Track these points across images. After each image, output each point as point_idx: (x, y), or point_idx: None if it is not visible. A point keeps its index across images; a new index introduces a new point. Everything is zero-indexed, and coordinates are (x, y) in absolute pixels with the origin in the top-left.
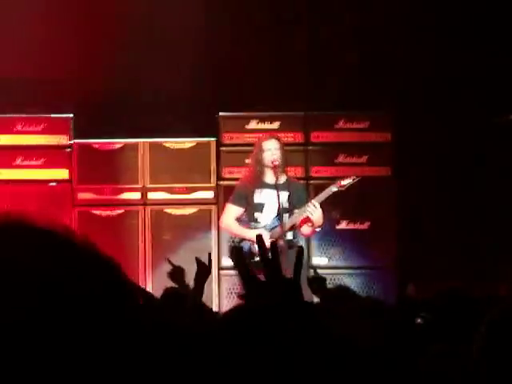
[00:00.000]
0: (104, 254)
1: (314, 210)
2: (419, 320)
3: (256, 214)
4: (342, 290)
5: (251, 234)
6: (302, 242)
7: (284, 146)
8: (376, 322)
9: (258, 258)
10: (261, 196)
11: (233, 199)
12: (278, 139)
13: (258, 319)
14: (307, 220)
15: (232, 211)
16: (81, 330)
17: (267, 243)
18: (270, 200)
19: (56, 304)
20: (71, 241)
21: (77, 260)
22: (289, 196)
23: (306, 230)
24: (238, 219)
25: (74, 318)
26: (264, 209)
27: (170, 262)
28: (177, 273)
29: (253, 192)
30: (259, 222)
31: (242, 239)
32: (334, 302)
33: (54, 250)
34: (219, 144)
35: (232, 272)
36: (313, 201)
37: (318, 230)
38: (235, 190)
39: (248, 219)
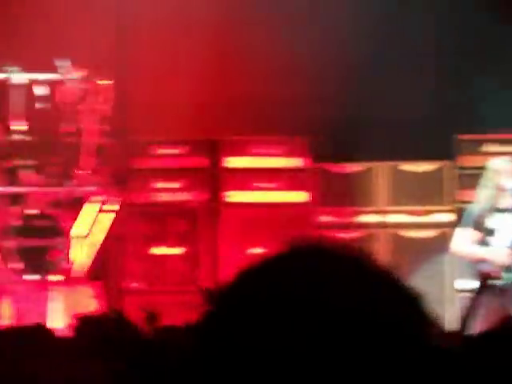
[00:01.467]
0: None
1: None
2: None
3: (488, 239)
4: None
5: (488, 254)
6: None
7: None
8: None
9: (494, 281)
10: (494, 220)
11: (467, 223)
12: None
13: None
14: None
15: (466, 235)
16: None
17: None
18: (503, 225)
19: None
20: (375, 266)
21: (387, 288)
22: None
23: None
24: (473, 243)
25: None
26: (496, 234)
27: None
28: None
29: (486, 216)
30: (491, 247)
31: (478, 261)
32: None
33: (361, 277)
34: (455, 167)
35: (468, 294)
36: None
37: None
38: (469, 213)
39: (479, 244)
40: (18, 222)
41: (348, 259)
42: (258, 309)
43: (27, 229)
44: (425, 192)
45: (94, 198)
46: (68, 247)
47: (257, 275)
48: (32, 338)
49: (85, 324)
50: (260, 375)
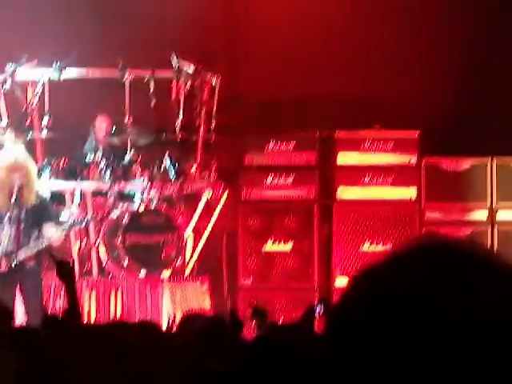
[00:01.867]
0: None
1: None
2: None
3: None
4: None
5: None
6: None
7: None
8: None
9: None
10: None
11: None
12: None
13: None
14: None
15: None
16: None
17: None
18: None
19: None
20: (500, 262)
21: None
22: None
23: None
24: None
25: None
26: None
27: None
28: None
29: None
30: None
31: None
32: None
33: (493, 275)
34: None
35: None
36: None
37: None
38: None
39: None
40: (130, 219)
41: (475, 257)
42: (391, 311)
43: (139, 225)
44: None
45: (205, 194)
46: (181, 244)
47: (383, 275)
48: (139, 332)
49: (193, 320)
50: (396, 381)
